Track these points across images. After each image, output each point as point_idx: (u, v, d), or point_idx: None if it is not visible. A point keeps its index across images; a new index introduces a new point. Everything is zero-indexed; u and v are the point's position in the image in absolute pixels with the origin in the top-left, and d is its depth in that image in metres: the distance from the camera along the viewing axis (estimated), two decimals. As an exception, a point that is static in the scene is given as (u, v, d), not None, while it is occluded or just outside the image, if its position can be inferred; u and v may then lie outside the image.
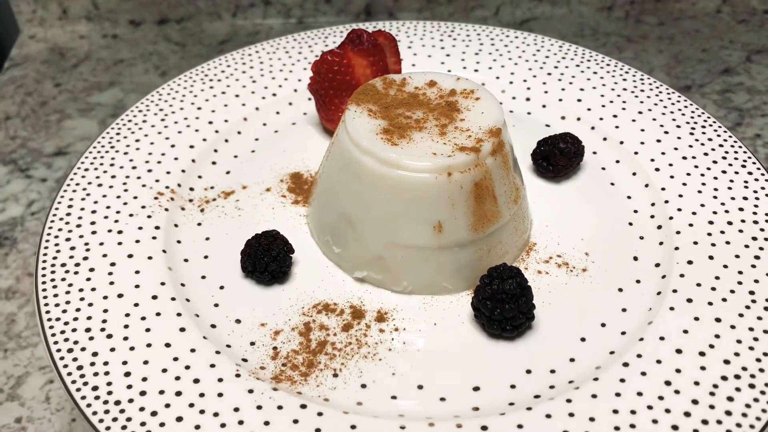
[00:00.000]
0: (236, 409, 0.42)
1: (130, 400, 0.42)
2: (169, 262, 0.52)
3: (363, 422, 0.42)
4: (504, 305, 0.46)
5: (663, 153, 0.60)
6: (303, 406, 0.43)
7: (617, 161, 0.61)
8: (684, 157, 0.59)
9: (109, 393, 0.42)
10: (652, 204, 0.56)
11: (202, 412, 0.42)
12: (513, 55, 0.71)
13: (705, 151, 0.59)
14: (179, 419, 0.41)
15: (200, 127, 0.63)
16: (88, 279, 0.49)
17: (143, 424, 0.41)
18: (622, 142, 0.61)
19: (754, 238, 0.52)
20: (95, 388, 0.43)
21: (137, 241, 0.52)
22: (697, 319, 0.47)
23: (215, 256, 0.53)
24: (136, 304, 0.48)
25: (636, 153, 0.60)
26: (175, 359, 0.45)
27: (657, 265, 0.52)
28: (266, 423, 0.42)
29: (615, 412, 0.42)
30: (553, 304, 0.50)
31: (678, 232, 0.53)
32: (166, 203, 0.56)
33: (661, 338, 0.46)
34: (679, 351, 0.45)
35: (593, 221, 0.56)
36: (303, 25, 1.03)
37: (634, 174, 0.59)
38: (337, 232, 0.52)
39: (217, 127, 0.63)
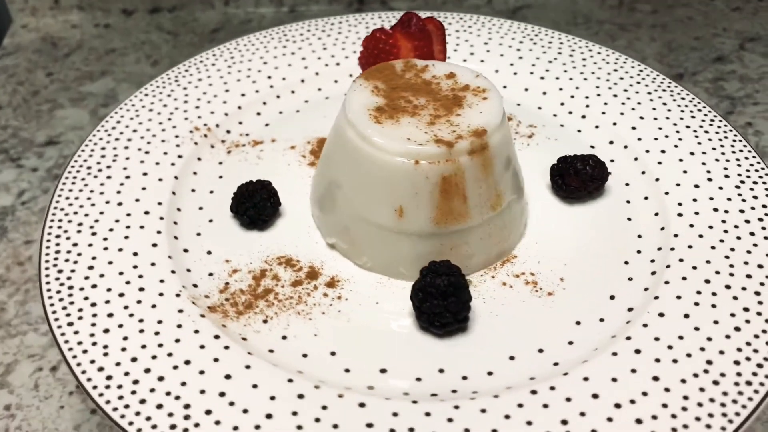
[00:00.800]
0: (159, 322, 0.47)
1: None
2: (176, 187, 0.58)
3: (258, 365, 0.45)
4: (432, 300, 0.46)
5: (696, 213, 0.55)
6: (216, 337, 0.46)
7: (645, 197, 0.57)
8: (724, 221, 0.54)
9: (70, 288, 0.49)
10: (658, 248, 0.53)
11: (131, 315, 0.47)
12: (554, 59, 0.71)
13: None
14: (110, 315, 0.47)
15: (258, 80, 0.69)
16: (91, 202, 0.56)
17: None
18: (657, 179, 0.58)
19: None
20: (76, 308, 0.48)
21: (157, 163, 0.59)
22: (634, 371, 0.45)
23: (218, 192, 0.59)
24: (129, 214, 0.55)
25: (667, 194, 0.56)
26: (135, 267, 0.50)
27: (630, 309, 0.49)
28: (177, 340, 0.46)
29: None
30: (500, 316, 0.49)
31: (656, 298, 0.49)
32: (198, 138, 0.62)
33: (568, 399, 0.43)
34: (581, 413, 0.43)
35: (588, 251, 0.54)
36: (295, 13, 1.03)
37: (656, 214, 0.55)
38: (323, 196, 0.55)
39: (273, 83, 0.69)
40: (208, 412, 0.42)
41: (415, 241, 0.51)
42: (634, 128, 0.62)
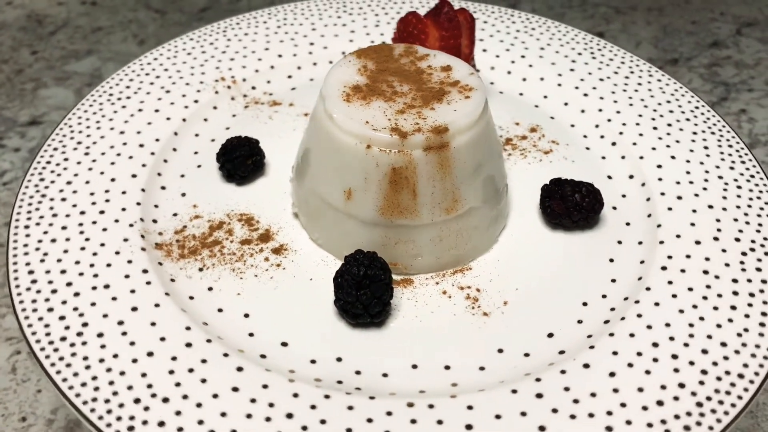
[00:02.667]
0: (102, 245, 0.50)
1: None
2: (183, 130, 0.60)
3: (166, 306, 0.46)
4: (347, 288, 0.45)
5: (688, 256, 0.50)
6: (145, 271, 0.48)
7: (639, 242, 0.53)
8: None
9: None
10: (624, 298, 0.49)
11: (81, 233, 0.50)
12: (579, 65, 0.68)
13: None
14: (64, 227, 0.50)
15: (300, 43, 0.69)
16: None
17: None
18: (659, 225, 0.53)
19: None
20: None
21: (172, 103, 0.62)
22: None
23: (218, 141, 0.59)
24: (125, 143, 0.58)
25: (662, 242, 0.51)
26: (107, 191, 0.53)
27: (561, 352, 0.46)
28: (108, 264, 0.48)
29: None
30: (423, 323, 0.47)
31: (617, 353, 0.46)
32: (221, 87, 0.64)
33: (439, 422, 0.41)
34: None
35: (548, 282, 0.50)
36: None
37: (642, 262, 0.51)
38: (298, 165, 0.55)
39: (313, 50, 0.69)
40: (100, 335, 0.44)
41: (360, 227, 0.50)
42: (659, 166, 0.57)
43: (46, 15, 0.98)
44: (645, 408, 0.41)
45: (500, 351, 0.46)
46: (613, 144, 0.60)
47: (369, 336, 0.47)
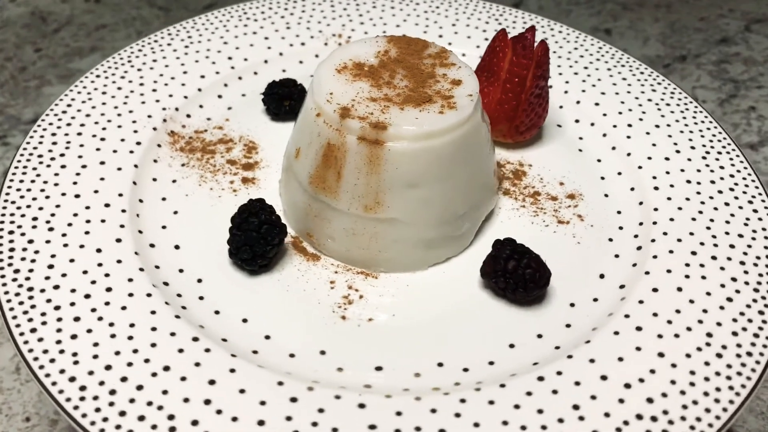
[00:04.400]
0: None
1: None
2: (201, 70, 0.64)
3: (146, 212, 0.52)
4: (240, 237, 0.48)
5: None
6: (136, 167, 0.55)
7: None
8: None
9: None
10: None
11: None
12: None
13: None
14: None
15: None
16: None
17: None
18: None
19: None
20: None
21: (189, 36, 0.67)
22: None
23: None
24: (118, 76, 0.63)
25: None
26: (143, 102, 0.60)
27: (440, 364, 0.45)
28: (114, 150, 0.54)
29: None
30: (286, 289, 0.49)
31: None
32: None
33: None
34: None
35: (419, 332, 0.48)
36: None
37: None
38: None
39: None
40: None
41: (296, 189, 0.52)
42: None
43: (50, 12, 0.97)
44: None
45: (291, 355, 0.46)
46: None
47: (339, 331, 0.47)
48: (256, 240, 0.48)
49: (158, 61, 0.65)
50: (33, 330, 0.44)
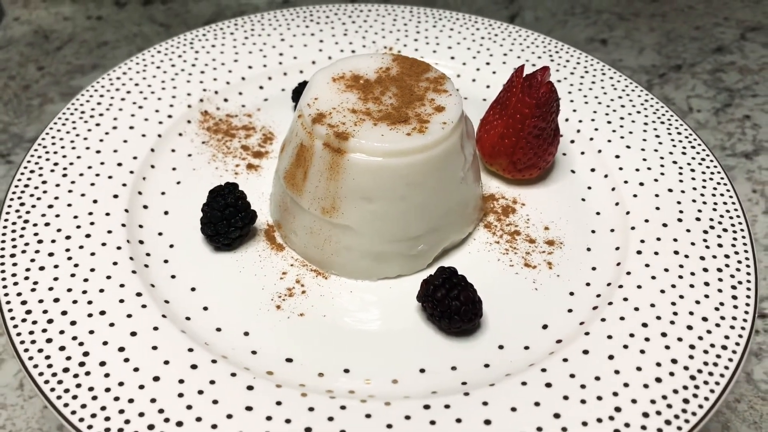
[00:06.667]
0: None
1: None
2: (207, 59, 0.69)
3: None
4: (207, 213, 0.52)
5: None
6: (159, 136, 0.62)
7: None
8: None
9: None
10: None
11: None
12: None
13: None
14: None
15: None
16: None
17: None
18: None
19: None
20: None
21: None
22: None
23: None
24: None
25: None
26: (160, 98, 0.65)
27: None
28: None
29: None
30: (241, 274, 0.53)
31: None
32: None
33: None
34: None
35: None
36: (289, 3, 1.02)
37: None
38: None
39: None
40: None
41: (276, 180, 0.56)
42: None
43: (53, 30, 0.99)
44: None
45: (246, 369, 0.47)
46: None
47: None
48: (219, 219, 0.52)
49: (202, 50, 0.72)
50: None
